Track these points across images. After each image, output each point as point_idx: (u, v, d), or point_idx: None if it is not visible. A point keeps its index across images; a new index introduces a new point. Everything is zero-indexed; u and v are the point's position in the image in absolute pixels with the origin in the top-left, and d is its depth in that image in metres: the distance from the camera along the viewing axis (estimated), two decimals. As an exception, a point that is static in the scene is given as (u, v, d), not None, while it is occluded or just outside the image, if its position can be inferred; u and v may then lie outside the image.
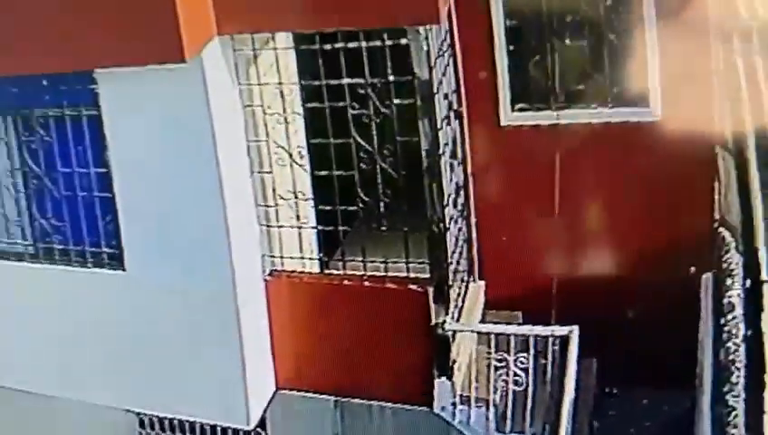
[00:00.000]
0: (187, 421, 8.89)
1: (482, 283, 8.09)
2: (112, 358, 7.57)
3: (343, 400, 8.09)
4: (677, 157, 7.50)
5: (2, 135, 7.59)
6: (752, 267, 6.44)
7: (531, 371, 6.95)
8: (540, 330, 7.02)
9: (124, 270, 7.40)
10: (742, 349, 6.18)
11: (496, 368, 7.05)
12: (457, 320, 7.30)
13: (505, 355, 7.01)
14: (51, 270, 7.73)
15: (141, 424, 9.34)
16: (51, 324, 7.70)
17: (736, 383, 6.05)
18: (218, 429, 8.81)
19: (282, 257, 7.38)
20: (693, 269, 7.49)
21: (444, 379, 7.17)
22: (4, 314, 7.88)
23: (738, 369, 6.10)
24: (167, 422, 9.19)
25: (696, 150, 7.47)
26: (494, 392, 7.10)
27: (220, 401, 7.46)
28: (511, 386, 7.05)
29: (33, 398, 8.20)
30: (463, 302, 7.54)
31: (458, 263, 7.43)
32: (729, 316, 6.44)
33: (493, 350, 7.06)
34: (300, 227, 7.35)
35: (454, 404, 7.23)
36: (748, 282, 6.43)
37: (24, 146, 7.56)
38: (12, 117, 7.50)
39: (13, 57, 6.90)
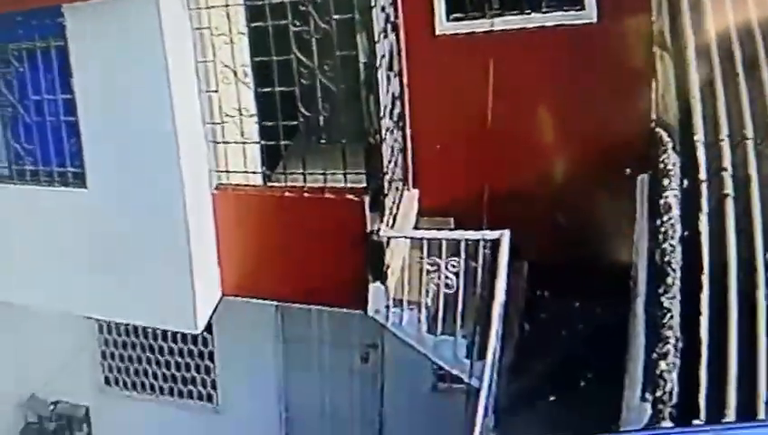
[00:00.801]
0: (141, 326, 7.28)
1: (416, 190, 6.36)
2: (75, 269, 6.05)
3: (284, 305, 6.50)
4: (614, 59, 5.71)
5: None
6: (689, 167, 4.64)
7: (462, 274, 5.40)
8: (470, 234, 5.39)
9: (86, 188, 5.88)
10: (678, 250, 4.36)
11: (428, 272, 5.50)
12: (392, 227, 5.76)
13: (437, 259, 5.46)
14: (24, 190, 6.10)
15: (100, 329, 7.60)
16: (21, 239, 6.15)
17: (672, 285, 4.22)
18: (169, 333, 7.28)
19: (228, 172, 5.83)
20: (629, 171, 5.63)
21: (378, 283, 5.59)
22: None
23: (674, 270, 4.28)
24: (122, 327, 7.49)
25: (633, 52, 5.65)
26: (426, 296, 5.59)
27: (170, 306, 5.88)
28: (442, 289, 5.46)
29: (5, 306, 6.45)
30: (398, 209, 6.03)
31: (394, 172, 6.01)
32: (665, 217, 4.55)
33: (425, 255, 5.50)
34: (244, 143, 5.75)
35: (387, 307, 5.64)
36: (685, 182, 4.65)
37: (0, 77, 6.06)
38: None
39: None
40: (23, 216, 6.22)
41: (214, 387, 7.64)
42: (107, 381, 8.02)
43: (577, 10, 5.74)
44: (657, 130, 5.05)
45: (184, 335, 7.49)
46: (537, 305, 6.10)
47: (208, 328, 6.79)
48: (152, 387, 7.84)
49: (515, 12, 5.84)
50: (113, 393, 8.03)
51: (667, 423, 3.95)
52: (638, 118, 5.50)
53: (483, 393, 5.12)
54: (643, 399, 4.36)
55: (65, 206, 6.01)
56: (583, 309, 5.89)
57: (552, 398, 5.46)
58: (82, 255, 6.03)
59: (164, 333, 7.61)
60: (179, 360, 7.61)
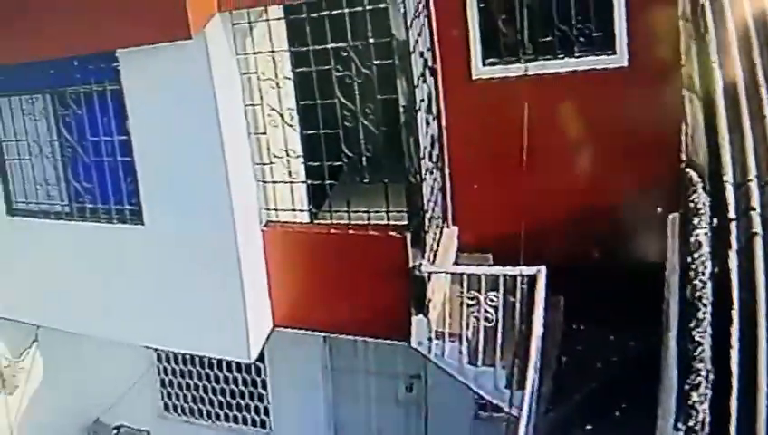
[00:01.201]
0: (197, 355, 7.86)
1: (455, 228, 6.74)
2: (134, 301, 6.58)
3: (332, 336, 6.96)
4: (645, 101, 6.00)
5: (42, 110, 6.60)
6: (718, 207, 4.88)
7: (501, 308, 5.76)
8: (509, 270, 5.75)
9: (143, 224, 6.40)
10: (708, 286, 4.62)
11: (468, 305, 5.84)
12: (433, 262, 6.16)
13: (477, 294, 5.80)
14: (83, 226, 6.64)
15: (159, 358, 8.31)
16: (83, 274, 6.69)
17: (702, 320, 4.49)
18: (224, 362, 7.86)
19: (276, 210, 6.33)
20: (659, 209, 5.95)
21: (420, 316, 6.01)
22: (44, 265, 6.85)
23: (705, 305, 4.53)
24: (180, 356, 8.13)
25: (663, 94, 5.88)
26: (467, 328, 5.93)
27: (224, 337, 6.40)
28: (482, 322, 5.82)
29: (68, 336, 7.14)
30: (438, 245, 6.42)
31: (433, 210, 6.43)
32: (696, 254, 4.83)
33: (465, 289, 5.86)
34: (291, 182, 6.25)
35: (429, 339, 6.05)
36: (715, 221, 4.89)
37: (60, 119, 6.61)
38: (50, 95, 6.56)
39: (48, 43, 5.97)
40: (83, 251, 6.72)
41: (267, 413, 8.07)
42: (166, 407, 8.53)
43: (608, 55, 6.05)
44: (688, 170, 5.24)
45: (238, 364, 7.95)
46: (573, 338, 6.40)
47: (261, 357, 7.28)
48: (209, 413, 8.36)
49: (549, 56, 6.17)
50: (172, 419, 8.54)
51: (700, 452, 4.57)
52: (669, 158, 5.67)
53: (522, 422, 5.34)
54: (676, 428, 4.50)
55: (124, 241, 6.48)
56: (617, 342, 6.23)
57: (588, 426, 5.73)
58: (141, 288, 6.52)
59: (219, 361, 8.08)
60: (234, 387, 8.11)
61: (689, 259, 4.95)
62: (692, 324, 4.89)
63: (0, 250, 7.02)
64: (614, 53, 6.10)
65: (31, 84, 6.64)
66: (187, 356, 8.19)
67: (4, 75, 6.62)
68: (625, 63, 6.09)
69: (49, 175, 6.76)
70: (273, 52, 6.02)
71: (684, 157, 5.54)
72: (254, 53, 6.05)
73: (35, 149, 6.78)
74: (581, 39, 6.22)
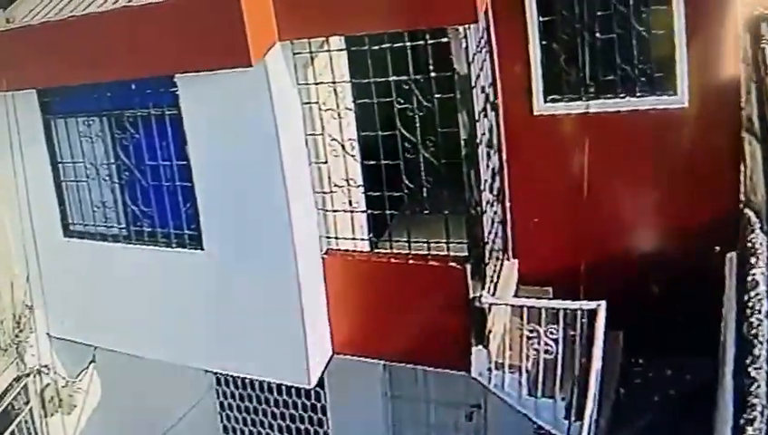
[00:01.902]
0: (257, 380, 8.54)
1: (515, 260, 7.38)
2: (193, 325, 7.16)
3: (392, 364, 7.56)
4: (704, 142, 6.63)
5: (99, 133, 7.11)
6: None
7: (560, 341, 6.34)
8: (569, 304, 6.31)
9: (203, 249, 6.93)
10: (765, 324, 5.29)
11: (528, 338, 6.43)
12: (493, 294, 6.67)
13: (537, 326, 6.40)
14: (141, 250, 7.25)
15: (218, 382, 9.07)
16: (141, 297, 7.30)
17: (758, 356, 5.17)
18: (283, 387, 8.55)
19: (336, 238, 6.91)
20: (717, 248, 6.57)
21: (480, 347, 6.57)
22: (103, 288, 7.48)
23: (761, 342, 5.22)
24: (239, 380, 8.88)
25: (722, 135, 6.57)
26: (527, 360, 6.51)
27: (285, 362, 6.94)
28: (542, 355, 6.42)
29: (129, 359, 7.65)
30: (498, 277, 6.96)
31: (494, 242, 6.94)
32: (752, 293, 5.54)
33: (525, 321, 6.43)
34: (352, 212, 6.82)
35: (489, 370, 6.62)
36: None
37: (117, 142, 7.14)
38: (107, 118, 7.09)
39: (107, 67, 6.57)
40: (141, 273, 7.19)
41: None
42: (225, 430, 9.19)
43: (669, 95, 6.61)
44: (746, 211, 5.98)
45: (298, 389, 8.51)
46: (631, 372, 6.92)
47: (321, 383, 7.86)
48: None
49: (610, 95, 6.72)
50: None
51: (756, 485, 4.82)
52: (728, 198, 6.35)
53: None
54: None
55: (183, 266, 6.96)
56: (675, 376, 6.77)
57: None
58: (200, 312, 7.01)
59: (279, 386, 8.64)
60: (293, 412, 8.75)
61: (746, 297, 5.54)
62: (748, 361, 5.21)
63: (56, 271, 7.53)
64: (675, 93, 6.64)
65: (88, 106, 7.04)
66: (247, 380, 8.74)
67: (61, 96, 7.06)
68: (686, 104, 6.61)
69: (106, 197, 7.19)
70: (334, 83, 6.48)
71: (742, 197, 6.23)
72: (316, 84, 6.50)
73: (92, 171, 7.19)
74: (643, 79, 6.72)
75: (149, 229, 7.11)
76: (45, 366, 7.75)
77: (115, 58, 6.42)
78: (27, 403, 7.64)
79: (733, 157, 6.47)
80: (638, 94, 6.73)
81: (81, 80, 6.72)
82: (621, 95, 6.74)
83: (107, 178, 7.18)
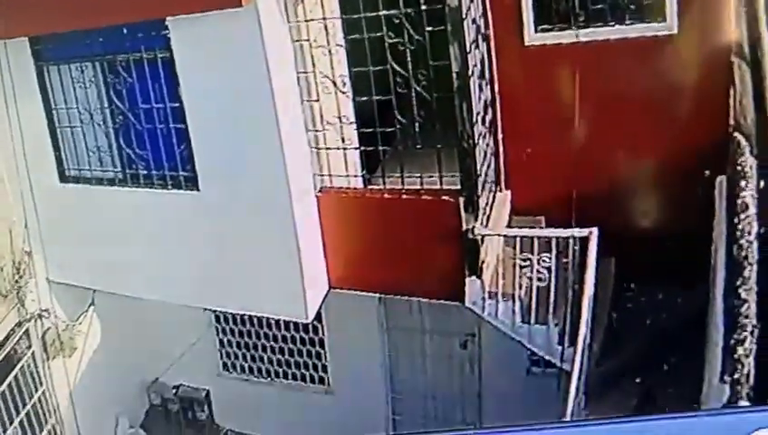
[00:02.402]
0: (255, 316, 8.61)
1: (508, 192, 7.40)
2: (190, 265, 7.26)
3: (387, 296, 7.61)
4: (694, 67, 6.65)
5: (92, 78, 7.15)
6: (765, 169, 5.79)
7: (553, 269, 6.43)
8: (561, 232, 6.40)
9: (198, 190, 7.01)
10: (754, 246, 5.43)
11: (521, 267, 6.54)
12: (486, 225, 6.74)
13: (529, 255, 6.49)
14: (137, 192, 7.32)
15: (217, 319, 9.05)
16: (139, 239, 7.40)
17: (749, 277, 5.30)
18: (282, 322, 8.59)
19: (330, 175, 6.93)
20: (707, 172, 6.65)
21: (474, 277, 6.66)
22: (101, 232, 7.55)
23: (750, 264, 5.34)
24: (238, 317, 8.89)
25: (711, 61, 6.58)
26: (520, 288, 6.62)
27: (282, 297, 7.07)
28: (535, 283, 6.51)
29: (127, 300, 7.79)
30: (491, 209, 7.01)
31: (486, 174, 6.98)
32: (742, 216, 5.67)
33: (518, 251, 6.58)
34: (345, 149, 6.86)
35: (483, 299, 6.73)
36: (761, 183, 5.74)
37: (110, 87, 7.15)
38: (99, 62, 7.13)
39: (98, 12, 6.55)
40: (138, 216, 7.28)
41: (325, 371, 8.83)
42: (225, 366, 9.25)
43: (659, 22, 6.57)
44: (735, 134, 6.03)
45: (296, 324, 8.61)
46: (624, 297, 7.00)
47: (318, 317, 7.98)
48: (268, 372, 9.13)
49: (600, 24, 6.70)
50: (231, 378, 9.28)
51: (744, 402, 4.84)
52: (717, 123, 6.39)
53: (574, 376, 6.04)
54: (722, 381, 5.15)
55: (180, 207, 7.03)
56: (667, 300, 6.85)
57: (637, 380, 6.36)
58: (198, 252, 7.12)
59: (277, 322, 8.74)
60: (292, 347, 8.87)
61: (736, 220, 5.64)
62: (738, 282, 5.36)
63: (54, 216, 7.65)
64: (664, 20, 6.60)
65: (80, 52, 7.05)
66: (246, 317, 8.84)
67: (53, 43, 7.07)
68: (675, 31, 6.60)
69: (101, 142, 7.27)
70: (324, 19, 6.46)
71: (732, 121, 6.25)
72: (306, 21, 6.48)
73: (86, 116, 7.23)
74: (632, 6, 6.69)
75: (145, 172, 7.15)
76: (46, 310, 7.91)
77: (105, 2, 6.37)
78: (29, 347, 7.83)
79: (722, 82, 6.45)
80: (628, 22, 6.67)
81: (73, 26, 6.71)
82: (611, 23, 6.70)
83: (101, 122, 7.22)
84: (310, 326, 8.56)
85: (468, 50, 6.29)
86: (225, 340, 9.17)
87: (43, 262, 7.80)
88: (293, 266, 6.78)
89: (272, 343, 8.98)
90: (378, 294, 7.62)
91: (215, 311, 8.76)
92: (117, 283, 7.67)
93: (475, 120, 6.46)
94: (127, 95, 7.00)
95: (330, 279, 7.12)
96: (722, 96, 6.51)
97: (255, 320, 8.92)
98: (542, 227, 6.95)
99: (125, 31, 6.75)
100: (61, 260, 7.82)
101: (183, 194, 6.96)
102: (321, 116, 6.70)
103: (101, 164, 7.33)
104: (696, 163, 6.66)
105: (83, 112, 7.23)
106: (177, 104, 6.74)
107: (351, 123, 6.76)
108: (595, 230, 6.24)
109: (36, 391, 7.93)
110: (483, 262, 6.63)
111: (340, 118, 6.69)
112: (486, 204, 6.89)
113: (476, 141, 6.52)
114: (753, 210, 5.54)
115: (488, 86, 6.99)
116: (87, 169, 7.37)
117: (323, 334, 8.67)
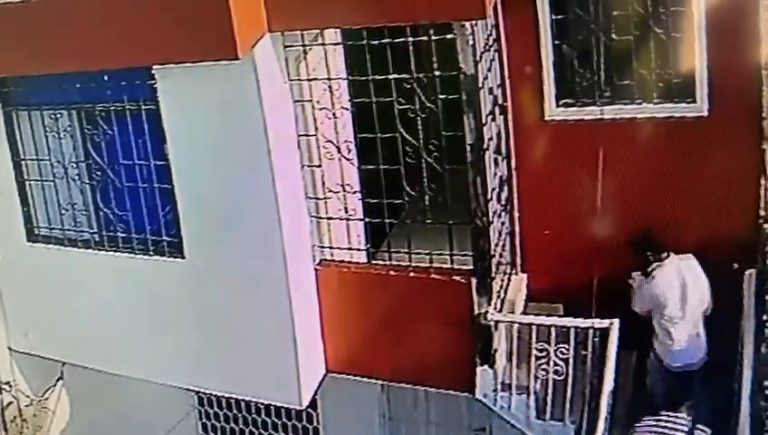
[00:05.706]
0: (243, 400, 8.92)
1: (524, 275, 7.97)
2: (172, 340, 7.65)
3: (390, 384, 8.04)
4: (723, 153, 7.18)
5: (67, 128, 7.55)
6: None
7: (571, 361, 6.82)
8: (581, 322, 6.82)
9: (183, 258, 7.40)
10: None
11: (537, 357, 6.92)
12: (500, 311, 7.19)
13: (546, 346, 6.89)
14: (115, 257, 7.71)
15: (200, 402, 9.44)
16: (115, 308, 7.76)
17: None
18: (272, 407, 8.93)
19: (331, 248, 7.38)
20: (736, 265, 7.20)
21: (486, 367, 7.09)
22: (74, 299, 7.93)
23: None
24: (223, 400, 9.27)
25: (742, 147, 7.13)
26: (535, 381, 7.05)
27: (274, 380, 7.43)
28: (551, 375, 6.90)
29: (100, 376, 8.14)
30: (505, 293, 7.52)
31: (501, 255, 7.47)
32: None
33: (534, 340, 6.92)
34: (348, 219, 7.29)
35: (495, 391, 7.15)
36: None
37: (88, 139, 7.56)
38: (76, 111, 7.51)
39: (76, 54, 6.87)
40: (115, 283, 7.60)
41: None
42: None
43: (688, 102, 7.15)
44: (765, 226, 6.61)
45: (288, 411, 8.89)
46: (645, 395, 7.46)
47: (313, 404, 8.23)
48: None
49: (626, 101, 7.28)
50: None
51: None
52: (747, 213, 6.96)
53: None
54: None
55: (162, 275, 7.39)
56: (691, 398, 7.24)
57: None
58: (181, 326, 7.45)
59: (267, 407, 9.01)
60: None
61: (765, 317, 6.24)
62: (766, 382, 5.93)
63: (19, 279, 8.00)
64: (694, 100, 7.17)
65: (54, 98, 7.41)
66: (232, 400, 9.11)
67: (24, 86, 7.42)
68: (705, 113, 7.16)
69: (76, 199, 7.65)
70: (329, 79, 6.88)
71: (762, 212, 6.81)
72: (309, 80, 6.90)
73: (60, 170, 7.63)
74: (660, 84, 7.22)
75: (124, 235, 7.52)
76: (7, 383, 8.29)
77: (85, 46, 6.67)
78: (-13, 424, 8.18)
79: (753, 169, 7.02)
80: (656, 101, 7.26)
81: (46, 69, 6.99)
82: (638, 101, 7.28)
83: (76, 177, 7.61)
84: (304, 414, 8.85)
85: (484, 121, 6.67)
86: (208, 425, 9.49)
87: (4, 329, 8.15)
88: (287, 346, 7.10)
89: (260, 430, 9.27)
90: (380, 381, 7.98)
91: (197, 392, 8.97)
92: (89, 356, 7.99)
93: (489, 196, 6.86)
94: (106, 149, 7.34)
95: (327, 362, 7.47)
96: (752, 185, 7.05)
97: (243, 404, 9.15)
98: (560, 316, 7.40)
99: (106, 78, 7.10)
100: (26, 328, 8.15)
101: (166, 261, 7.34)
102: (323, 183, 7.09)
103: (76, 224, 7.71)
104: (724, 254, 7.16)
105: (57, 165, 7.60)
106: (162, 162, 7.09)
107: (356, 192, 7.18)
108: (616, 321, 6.66)
109: (-8, 476, 8.17)
110: (495, 350, 6.99)
111: (343, 186, 7.09)
112: (501, 287, 7.32)
113: (491, 219, 6.91)
114: (784, 307, 6.00)
115: (504, 161, 7.48)
116: (59, 228, 7.78)
117: (318, 423, 8.95)
